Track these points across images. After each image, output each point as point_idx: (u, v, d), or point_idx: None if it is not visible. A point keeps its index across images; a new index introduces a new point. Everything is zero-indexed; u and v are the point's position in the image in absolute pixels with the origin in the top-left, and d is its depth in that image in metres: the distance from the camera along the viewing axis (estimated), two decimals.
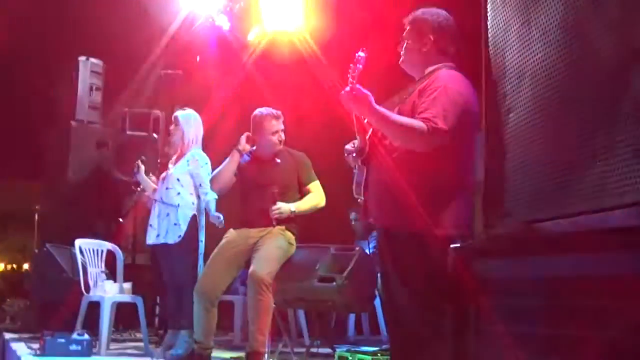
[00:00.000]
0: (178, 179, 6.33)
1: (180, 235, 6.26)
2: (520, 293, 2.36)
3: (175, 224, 6.27)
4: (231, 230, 5.86)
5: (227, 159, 5.89)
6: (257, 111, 5.98)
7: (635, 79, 1.94)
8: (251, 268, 5.58)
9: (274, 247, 5.68)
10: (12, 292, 20.56)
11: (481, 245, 2.66)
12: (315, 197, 5.91)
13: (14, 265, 32.88)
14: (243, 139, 5.88)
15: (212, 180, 6.01)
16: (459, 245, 2.56)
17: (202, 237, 6.40)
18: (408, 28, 3.75)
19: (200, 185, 6.35)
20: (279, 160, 5.88)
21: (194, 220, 6.33)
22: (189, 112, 6.57)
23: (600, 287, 1.98)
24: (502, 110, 2.60)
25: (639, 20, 1.92)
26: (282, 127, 5.89)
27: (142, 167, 6.76)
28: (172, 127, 6.59)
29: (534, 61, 2.44)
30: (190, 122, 6.48)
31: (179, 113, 6.55)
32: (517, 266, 2.37)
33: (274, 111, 5.94)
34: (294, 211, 5.76)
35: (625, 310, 1.86)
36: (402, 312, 3.61)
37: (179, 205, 6.29)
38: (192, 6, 9.91)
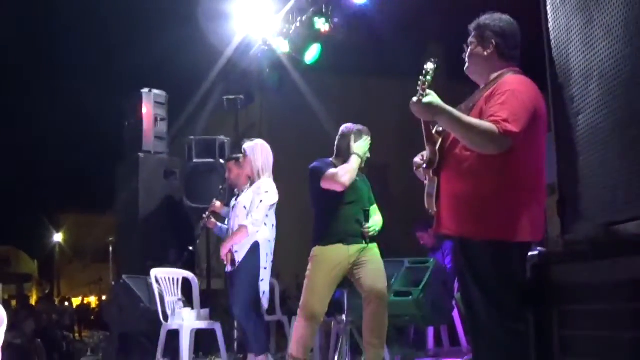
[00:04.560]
0: (245, 207, 6.35)
1: (238, 262, 6.27)
2: (602, 297, 2.31)
3: (236, 252, 6.29)
4: (319, 248, 5.63)
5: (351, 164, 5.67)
6: (345, 126, 5.91)
7: None
8: (370, 284, 5.56)
9: (380, 262, 5.69)
10: (90, 324, 21.02)
11: (559, 251, 2.61)
12: (380, 218, 5.88)
13: (91, 298, 33.60)
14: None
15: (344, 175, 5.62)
16: (536, 252, 2.51)
17: (264, 263, 6.32)
18: (472, 34, 3.74)
19: (245, 208, 6.34)
20: (357, 178, 5.81)
21: (253, 247, 6.28)
22: (256, 141, 6.57)
23: None
24: (570, 113, 2.55)
25: None
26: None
27: (212, 219, 6.98)
28: (241, 158, 6.61)
29: (599, 60, 2.39)
30: (257, 152, 6.46)
31: (246, 144, 6.56)
32: (598, 270, 2.32)
33: (361, 127, 5.82)
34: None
35: None
36: (483, 321, 3.57)
37: None
38: (247, 31, 10.03)
